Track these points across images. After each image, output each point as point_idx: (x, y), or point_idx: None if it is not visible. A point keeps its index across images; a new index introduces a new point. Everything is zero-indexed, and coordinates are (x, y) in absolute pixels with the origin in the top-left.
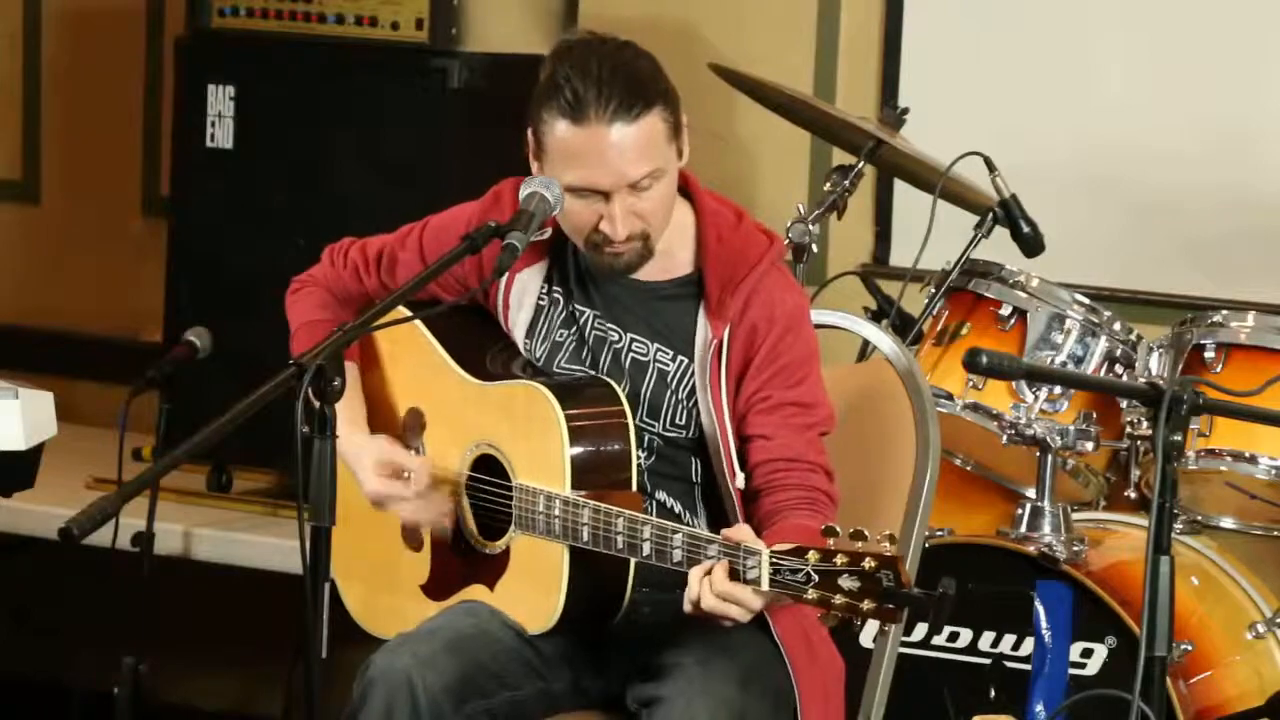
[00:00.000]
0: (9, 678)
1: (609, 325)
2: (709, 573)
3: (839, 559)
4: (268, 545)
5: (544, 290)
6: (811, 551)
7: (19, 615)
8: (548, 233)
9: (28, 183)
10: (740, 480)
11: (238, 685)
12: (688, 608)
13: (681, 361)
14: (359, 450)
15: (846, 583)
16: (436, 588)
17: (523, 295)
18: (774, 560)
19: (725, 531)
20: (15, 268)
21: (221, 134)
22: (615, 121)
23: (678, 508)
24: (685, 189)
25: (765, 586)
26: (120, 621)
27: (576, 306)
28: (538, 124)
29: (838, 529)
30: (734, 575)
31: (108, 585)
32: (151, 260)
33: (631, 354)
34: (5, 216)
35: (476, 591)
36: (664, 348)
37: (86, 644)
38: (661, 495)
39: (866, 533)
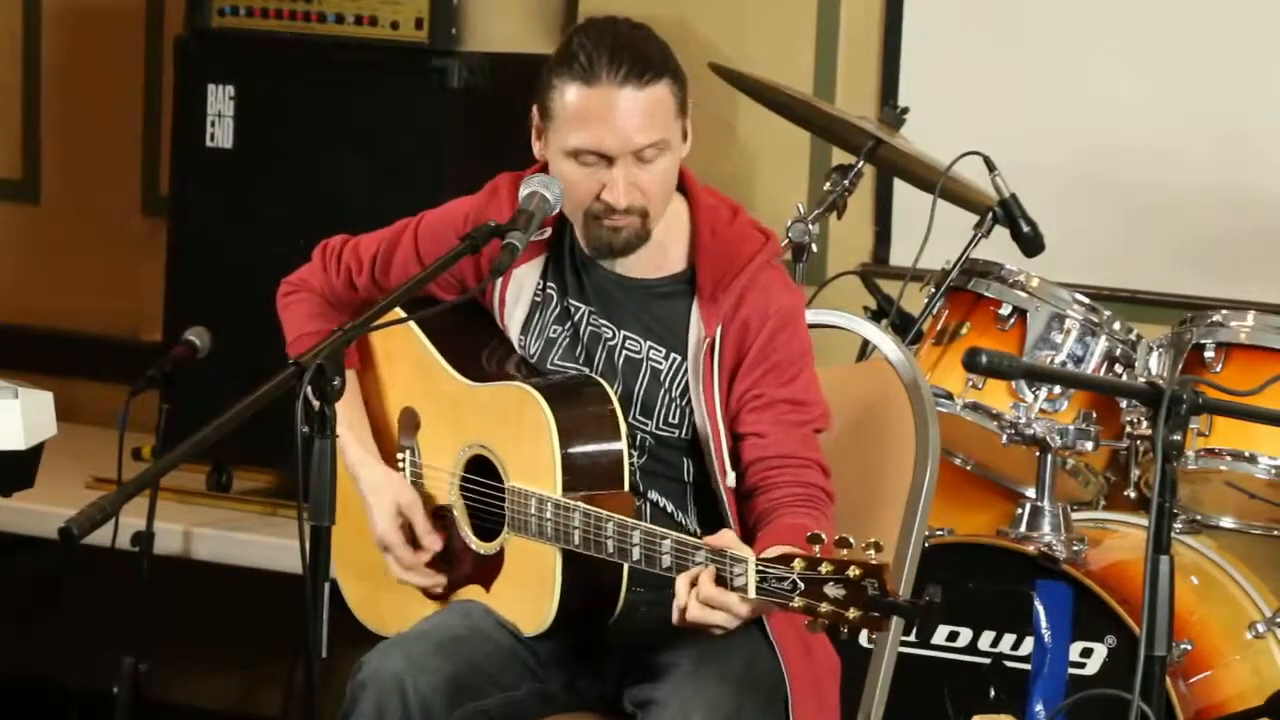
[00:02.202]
0: (9, 677)
1: (603, 322)
2: (695, 581)
3: (824, 567)
4: (267, 545)
5: (540, 286)
6: (797, 559)
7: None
8: (547, 232)
9: (27, 182)
10: (731, 479)
11: (237, 685)
12: (676, 618)
13: (675, 359)
14: (381, 487)
15: (832, 591)
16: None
17: (520, 291)
18: (760, 568)
19: (708, 539)
20: (15, 267)
21: (221, 133)
22: (626, 85)
23: (670, 507)
24: (681, 184)
25: (752, 593)
26: (120, 621)
27: (571, 302)
28: (547, 92)
29: (823, 536)
30: (720, 582)
31: (107, 585)
32: (151, 260)
33: (625, 351)
34: (5, 216)
35: (472, 592)
36: (657, 345)
37: (86, 643)
38: (654, 495)
39: (852, 540)
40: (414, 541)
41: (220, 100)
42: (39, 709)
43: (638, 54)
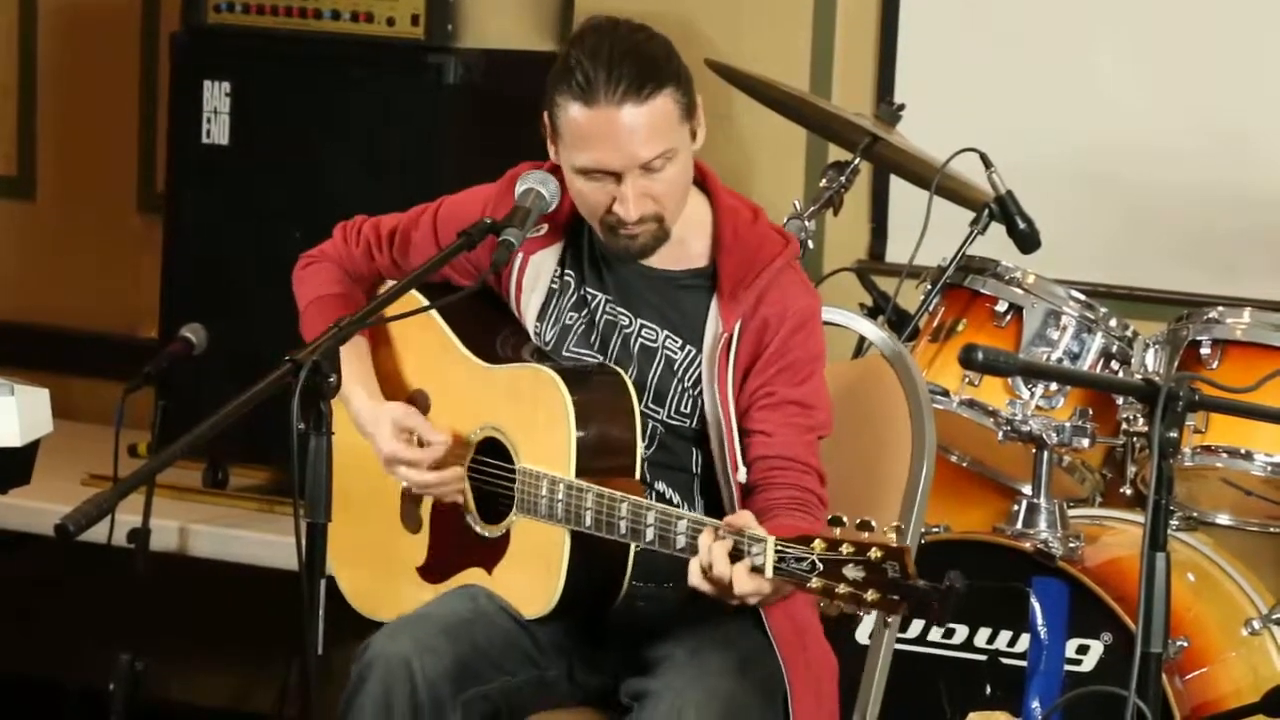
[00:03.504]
0: (5, 674)
1: (620, 310)
2: (718, 536)
3: (845, 548)
4: (264, 541)
5: (557, 273)
6: (817, 540)
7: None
8: (544, 228)
9: (23, 179)
10: (742, 474)
11: (234, 682)
12: (695, 579)
13: (690, 351)
14: (378, 412)
15: (851, 572)
16: (433, 570)
17: (536, 278)
18: (779, 548)
19: (728, 518)
20: (11, 264)
21: (217, 130)
22: (625, 103)
23: (676, 499)
24: (703, 183)
25: (769, 573)
26: (116, 618)
27: (588, 290)
28: (552, 108)
29: (844, 519)
30: (738, 558)
31: (104, 582)
32: (147, 256)
33: (641, 339)
34: (1, 213)
35: (474, 575)
36: (674, 335)
37: (82, 640)
38: (661, 485)
39: (873, 523)
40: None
41: (216, 97)
42: (35, 706)
43: (637, 66)
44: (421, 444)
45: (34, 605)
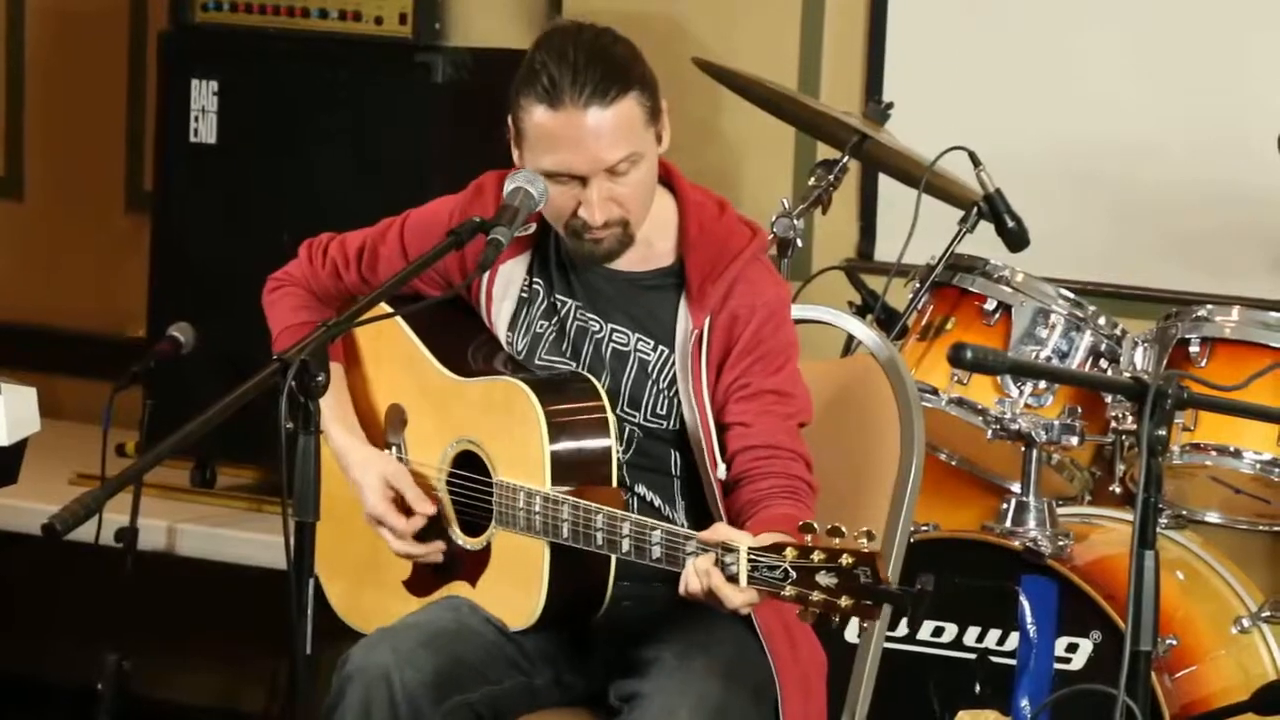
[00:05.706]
0: None
1: (590, 316)
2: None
3: (816, 555)
4: (252, 541)
5: (526, 281)
6: (789, 548)
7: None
8: (532, 227)
9: (11, 179)
10: (721, 471)
11: (221, 681)
12: (693, 588)
13: (662, 351)
14: (367, 464)
15: (824, 579)
16: (419, 584)
17: (506, 287)
18: (752, 557)
19: (701, 535)
20: None
21: (205, 129)
22: (591, 106)
23: (657, 501)
24: (668, 180)
25: (743, 583)
26: (103, 617)
27: (558, 297)
28: (516, 110)
29: (815, 525)
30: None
31: (91, 581)
32: (135, 256)
33: (612, 344)
34: None
35: (458, 588)
36: (645, 338)
37: (69, 640)
38: (641, 489)
39: (844, 529)
40: (407, 512)
41: (204, 95)
42: (22, 705)
43: (602, 69)
44: (406, 508)
45: (21, 605)
